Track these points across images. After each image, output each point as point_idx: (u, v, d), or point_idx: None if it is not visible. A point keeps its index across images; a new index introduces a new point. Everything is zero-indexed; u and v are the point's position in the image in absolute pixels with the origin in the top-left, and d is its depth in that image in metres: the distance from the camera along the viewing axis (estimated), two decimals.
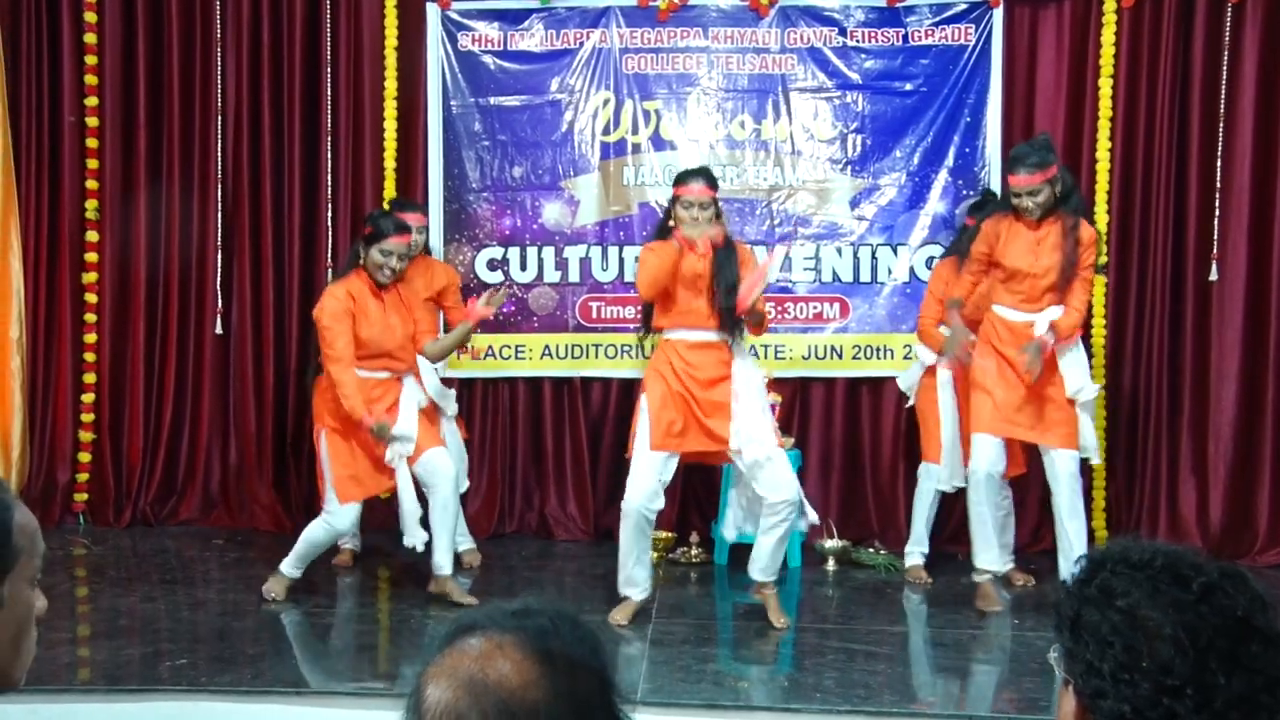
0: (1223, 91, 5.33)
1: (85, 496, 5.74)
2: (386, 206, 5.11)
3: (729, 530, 4.89)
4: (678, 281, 4.19)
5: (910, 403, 5.13)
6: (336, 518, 4.34)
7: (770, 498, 4.12)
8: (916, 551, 4.99)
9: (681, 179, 4.27)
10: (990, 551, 4.43)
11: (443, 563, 4.40)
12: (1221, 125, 5.33)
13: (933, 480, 4.92)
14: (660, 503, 4.26)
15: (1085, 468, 4.66)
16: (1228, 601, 1.15)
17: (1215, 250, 5.37)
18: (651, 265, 4.19)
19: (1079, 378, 4.41)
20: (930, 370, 4.95)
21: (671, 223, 4.24)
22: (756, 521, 4.28)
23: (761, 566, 4.21)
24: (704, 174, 4.29)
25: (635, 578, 4.28)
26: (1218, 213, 5.36)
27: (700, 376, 4.20)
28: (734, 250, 4.26)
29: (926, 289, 5.13)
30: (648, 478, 4.17)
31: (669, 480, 4.27)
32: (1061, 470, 4.37)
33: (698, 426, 4.20)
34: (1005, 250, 4.40)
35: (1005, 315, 4.44)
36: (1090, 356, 5.28)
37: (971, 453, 4.42)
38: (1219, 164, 5.34)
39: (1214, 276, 5.37)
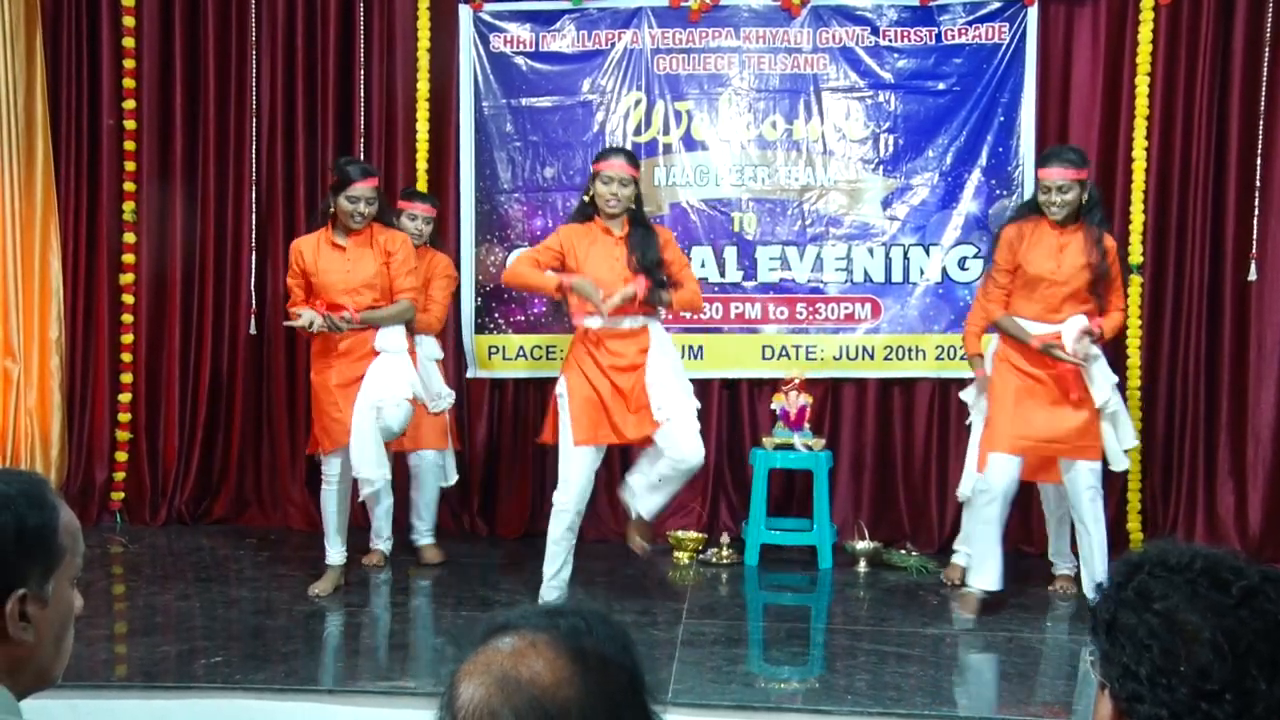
0: (1263, 89, 5.25)
1: (122, 495, 5.81)
2: (404, 193, 5.25)
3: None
4: (594, 271, 4.23)
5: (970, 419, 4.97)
6: (324, 468, 4.56)
7: (670, 454, 4.19)
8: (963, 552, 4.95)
9: (602, 154, 4.38)
10: (985, 571, 4.36)
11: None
12: (1261, 123, 5.26)
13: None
14: (585, 499, 4.35)
15: (1109, 470, 4.61)
16: (1269, 606, 1.13)
17: (1254, 250, 5.30)
18: (526, 278, 4.32)
19: (1105, 389, 4.37)
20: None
21: (588, 197, 4.31)
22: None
23: (650, 508, 4.35)
24: (624, 152, 4.40)
25: (565, 579, 4.38)
26: (1257, 212, 5.29)
27: (622, 364, 4.24)
28: (650, 231, 4.32)
29: (976, 299, 4.94)
30: (581, 474, 4.24)
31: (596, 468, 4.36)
32: (1081, 484, 4.32)
33: (623, 418, 4.24)
34: (1027, 255, 4.33)
35: (1025, 327, 4.37)
36: (1125, 357, 5.23)
37: (987, 470, 4.34)
38: (1258, 163, 5.27)
39: (1253, 276, 5.30)
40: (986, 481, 4.34)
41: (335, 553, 4.60)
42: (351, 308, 4.40)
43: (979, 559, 4.40)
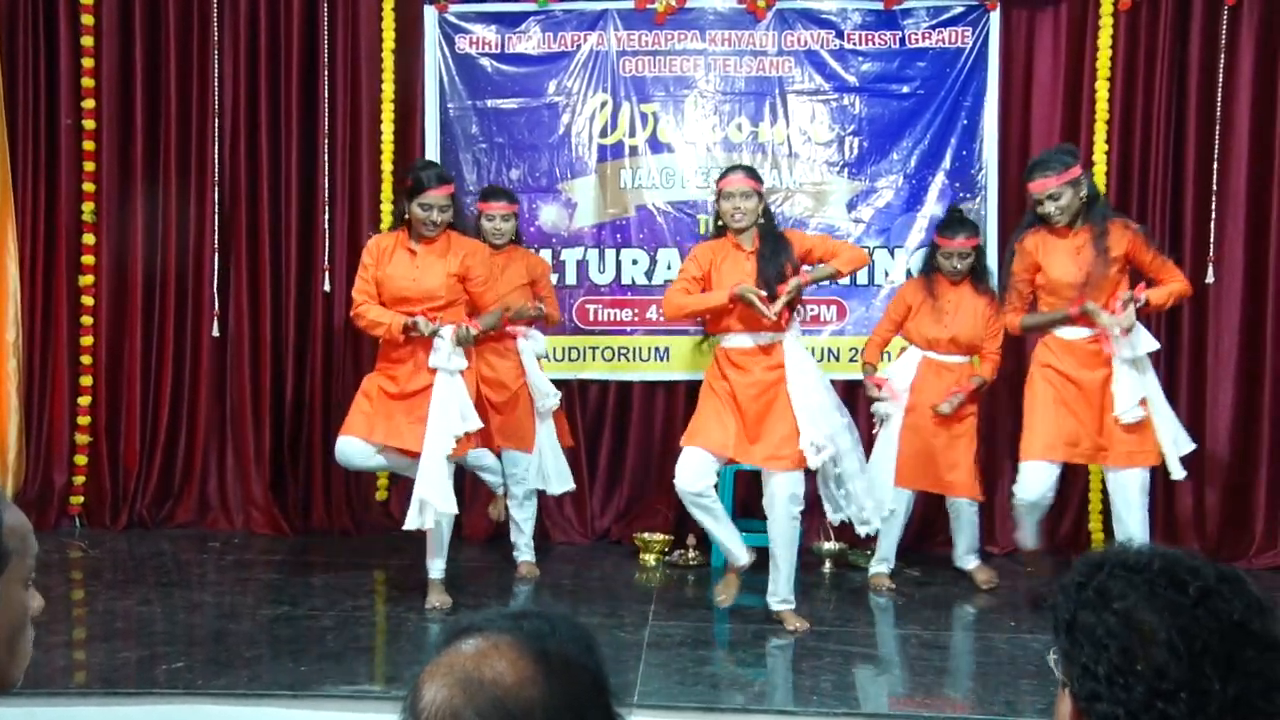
0: (1219, 94, 5.34)
1: (81, 499, 5.73)
2: (482, 194, 5.18)
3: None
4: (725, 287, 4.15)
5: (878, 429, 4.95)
6: (339, 445, 4.40)
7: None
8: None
9: (724, 172, 4.36)
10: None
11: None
12: (1218, 128, 5.34)
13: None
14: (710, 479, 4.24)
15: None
16: (1224, 606, 1.14)
17: (1212, 253, 5.38)
18: (691, 306, 4.23)
19: (1128, 397, 4.19)
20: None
21: (720, 222, 4.26)
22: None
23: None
24: (744, 168, 4.37)
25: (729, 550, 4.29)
26: (1214, 216, 5.37)
27: (751, 381, 4.18)
28: (782, 242, 4.21)
29: (885, 312, 5.02)
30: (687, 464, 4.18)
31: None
32: (1130, 493, 4.23)
33: (748, 438, 4.17)
34: (1047, 262, 4.32)
35: (1060, 334, 4.33)
36: None
37: (1020, 479, 4.33)
38: (1215, 167, 5.35)
39: (1210, 279, 5.37)
40: (1021, 492, 4.31)
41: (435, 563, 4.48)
42: (473, 321, 4.37)
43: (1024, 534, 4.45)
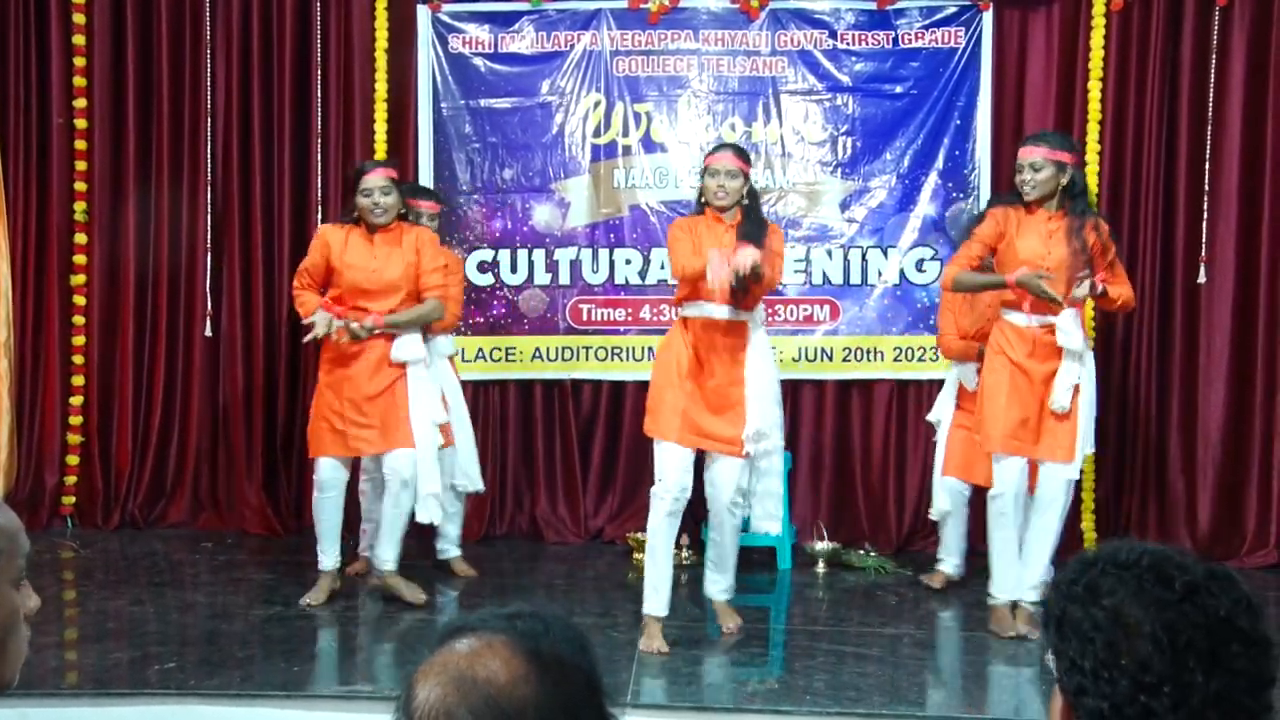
0: (1211, 94, 5.35)
1: (73, 499, 5.72)
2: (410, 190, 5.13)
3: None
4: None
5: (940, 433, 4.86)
6: (316, 474, 4.47)
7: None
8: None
9: (711, 150, 4.24)
10: (1006, 578, 4.19)
11: (386, 557, 4.45)
12: (1210, 128, 5.36)
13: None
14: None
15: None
16: (1211, 601, 1.15)
17: (1204, 253, 5.39)
18: (687, 262, 4.02)
19: (1064, 386, 4.09)
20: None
21: (703, 199, 4.16)
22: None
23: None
24: (733, 146, 4.25)
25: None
26: (1206, 216, 5.39)
27: (714, 356, 4.07)
28: (763, 227, 4.08)
29: (942, 305, 4.90)
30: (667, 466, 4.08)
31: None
32: (1052, 489, 4.12)
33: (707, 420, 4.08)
34: (1019, 238, 4.15)
35: (1016, 321, 4.14)
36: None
37: (994, 475, 4.20)
38: (1207, 167, 5.37)
39: (1202, 279, 5.39)
40: (994, 488, 4.19)
41: (327, 558, 4.48)
42: (375, 313, 4.32)
43: (1000, 571, 4.21)
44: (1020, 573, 4.18)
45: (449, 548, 5.05)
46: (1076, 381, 4.11)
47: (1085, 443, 4.19)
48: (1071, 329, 4.06)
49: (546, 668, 1.06)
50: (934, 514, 4.88)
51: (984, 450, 4.25)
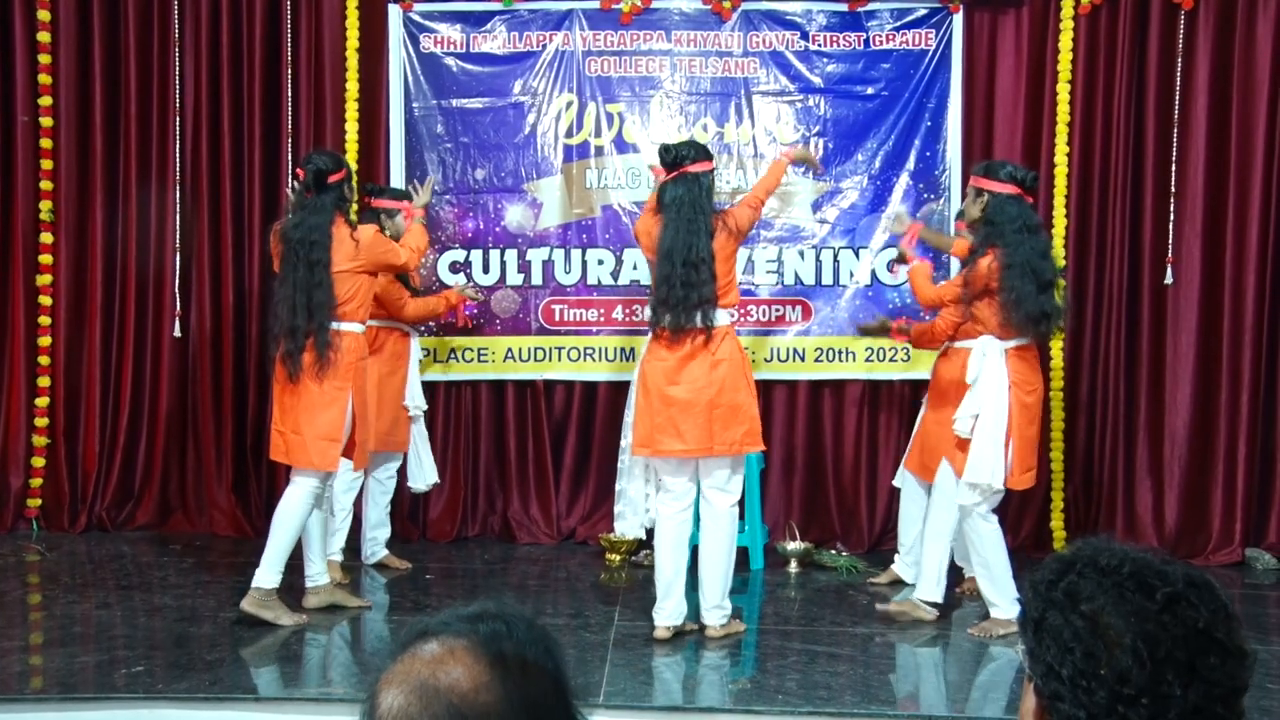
0: (1177, 97, 5.41)
1: (39, 502, 5.66)
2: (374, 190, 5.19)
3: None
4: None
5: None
6: (327, 483, 4.47)
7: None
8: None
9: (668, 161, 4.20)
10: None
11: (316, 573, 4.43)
12: (1176, 130, 5.42)
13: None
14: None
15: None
16: (1190, 613, 1.15)
17: (1170, 255, 5.45)
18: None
19: (964, 417, 4.15)
20: None
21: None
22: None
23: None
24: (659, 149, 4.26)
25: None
26: (1173, 218, 5.44)
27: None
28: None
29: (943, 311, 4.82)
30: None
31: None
32: (941, 494, 4.30)
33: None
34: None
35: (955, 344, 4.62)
36: (1048, 359, 5.33)
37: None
38: (1174, 169, 5.43)
39: (1169, 280, 5.45)
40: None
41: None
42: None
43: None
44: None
45: (377, 550, 5.12)
46: (975, 409, 4.17)
47: (980, 470, 4.12)
48: (972, 362, 4.22)
49: (510, 672, 1.06)
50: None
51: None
